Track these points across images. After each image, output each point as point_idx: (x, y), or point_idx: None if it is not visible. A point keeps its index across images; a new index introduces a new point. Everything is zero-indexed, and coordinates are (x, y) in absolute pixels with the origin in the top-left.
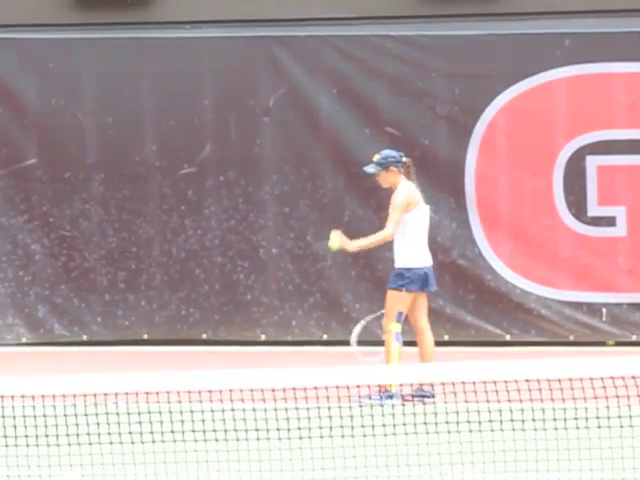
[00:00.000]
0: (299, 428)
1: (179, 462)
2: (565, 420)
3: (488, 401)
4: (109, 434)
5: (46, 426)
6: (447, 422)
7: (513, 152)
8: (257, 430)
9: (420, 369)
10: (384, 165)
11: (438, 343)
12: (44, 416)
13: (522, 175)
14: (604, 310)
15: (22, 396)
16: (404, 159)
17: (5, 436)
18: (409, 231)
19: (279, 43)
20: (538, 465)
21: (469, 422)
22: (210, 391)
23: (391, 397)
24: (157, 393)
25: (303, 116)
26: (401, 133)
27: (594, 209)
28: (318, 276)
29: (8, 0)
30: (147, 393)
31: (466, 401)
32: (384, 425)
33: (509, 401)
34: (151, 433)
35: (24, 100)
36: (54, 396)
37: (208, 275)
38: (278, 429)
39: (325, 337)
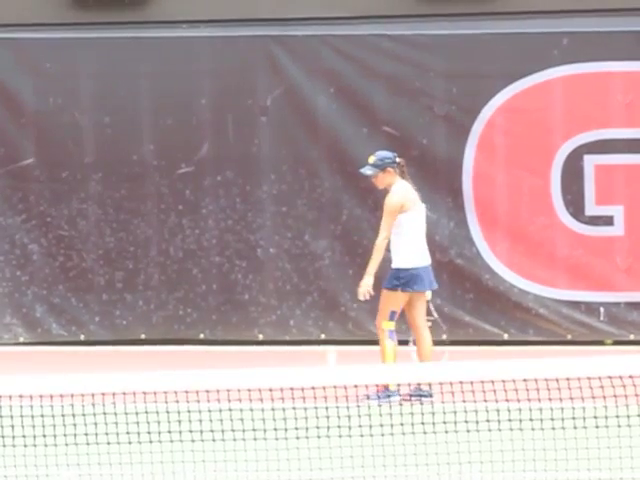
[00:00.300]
0: (296, 428)
1: (176, 462)
2: (563, 420)
3: (486, 401)
4: (107, 434)
5: (44, 426)
6: (445, 422)
7: (511, 151)
8: (254, 430)
9: (418, 369)
10: (381, 167)
11: (436, 342)
12: (42, 416)
13: (520, 174)
14: (602, 309)
15: (20, 396)
16: (398, 159)
17: (3, 436)
18: (405, 231)
19: (276, 42)
20: (536, 465)
21: (467, 422)
22: (207, 391)
23: (389, 396)
24: (155, 393)
25: (301, 115)
26: (399, 132)
27: (592, 208)
28: (316, 275)
29: (5, 0)
30: (145, 393)
31: (464, 401)
32: (381, 425)
33: (507, 401)
34: (148, 433)
35: (21, 99)
36: (52, 396)
37: (206, 275)
38: (275, 429)
39: (323, 336)
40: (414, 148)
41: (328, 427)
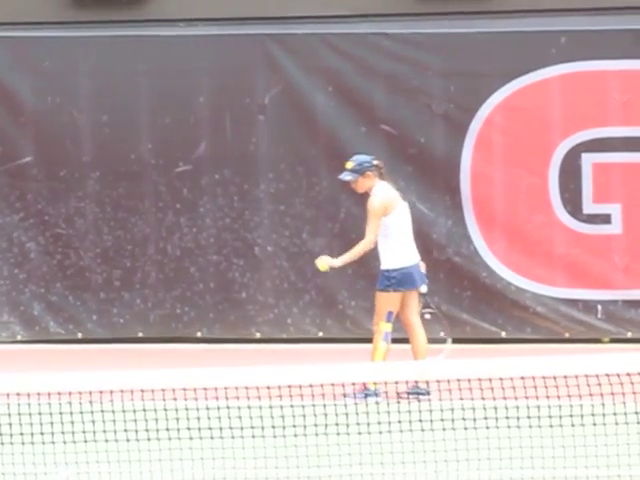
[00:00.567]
0: (294, 425)
1: (174, 459)
2: (560, 417)
3: (483, 398)
4: (104, 432)
5: (41, 424)
6: (442, 419)
7: (509, 150)
8: (252, 427)
9: (416, 366)
10: (360, 171)
11: (433, 340)
12: (39, 414)
13: (518, 173)
14: (599, 307)
15: (17, 394)
16: (375, 162)
17: (1, 434)
18: (391, 232)
19: (274, 41)
20: (533, 462)
21: (464, 419)
22: (205, 389)
23: (367, 395)
24: (152, 391)
25: (299, 114)
26: (397, 131)
27: (589, 206)
28: (313, 274)
29: None
30: (142, 391)
31: (461, 398)
32: (379, 422)
33: (504, 398)
34: (146, 431)
35: (20, 98)
36: (49, 394)
37: (203, 273)
38: (273, 426)
39: (320, 334)
40: (412, 146)
41: (326, 425)
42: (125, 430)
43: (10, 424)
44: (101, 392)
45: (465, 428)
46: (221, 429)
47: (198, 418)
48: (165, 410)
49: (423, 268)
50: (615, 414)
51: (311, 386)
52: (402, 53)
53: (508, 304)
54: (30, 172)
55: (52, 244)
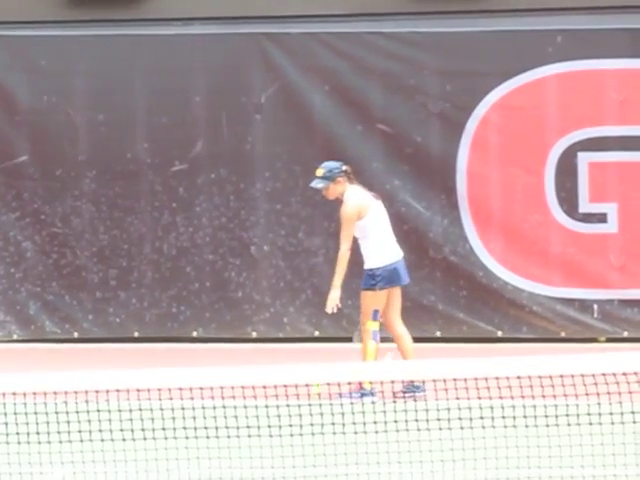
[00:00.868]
0: (290, 425)
1: (170, 459)
2: (556, 417)
3: (479, 398)
4: (100, 431)
5: (37, 423)
6: (438, 419)
7: (505, 149)
8: (248, 427)
9: (412, 366)
10: (330, 178)
11: (430, 340)
12: (35, 413)
13: (514, 172)
14: (595, 307)
15: (13, 393)
16: (344, 167)
17: None
18: (369, 233)
19: (271, 40)
20: (529, 461)
21: (460, 419)
22: (201, 388)
23: (363, 395)
24: (148, 390)
25: (295, 113)
26: (393, 130)
27: (585, 206)
28: (310, 273)
29: None
30: (138, 390)
31: (457, 398)
32: (375, 422)
33: (500, 398)
34: (142, 430)
35: (16, 97)
36: (45, 393)
37: (199, 272)
38: (269, 426)
39: (317, 334)
40: (408, 145)
41: (322, 424)
42: (121, 429)
43: (6, 423)
44: (97, 391)
45: (461, 428)
46: (217, 428)
47: (194, 417)
48: (161, 409)
49: None
50: (611, 414)
51: (307, 385)
52: (398, 52)
53: (504, 303)
54: (26, 171)
55: (48, 243)
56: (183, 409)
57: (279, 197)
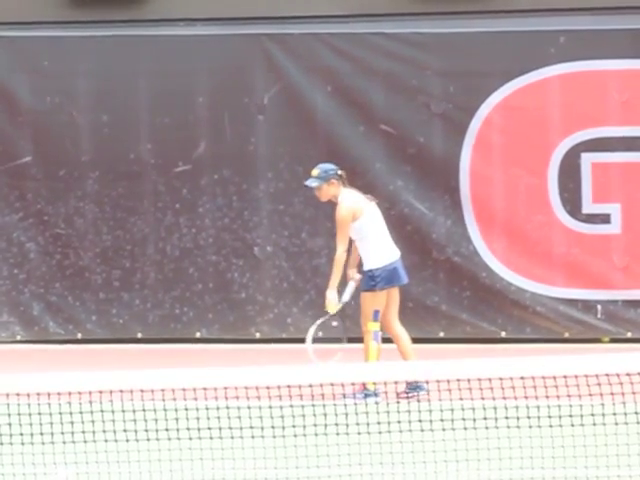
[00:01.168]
0: (294, 426)
1: (174, 460)
2: (560, 417)
3: (483, 398)
4: (104, 432)
5: (41, 424)
6: (442, 420)
7: (508, 149)
8: (252, 428)
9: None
10: (325, 178)
11: (433, 340)
12: (39, 414)
13: (517, 172)
14: (599, 307)
15: (17, 394)
16: (339, 172)
17: (0, 434)
18: (366, 234)
19: (273, 41)
20: (533, 462)
21: (464, 419)
22: (205, 389)
23: (367, 396)
24: (152, 391)
25: (297, 114)
26: (396, 131)
27: (589, 206)
28: (313, 273)
29: None
30: (142, 391)
31: (461, 398)
32: (379, 423)
33: (504, 398)
34: (146, 431)
35: (19, 98)
36: (49, 394)
37: (202, 273)
38: (273, 427)
39: (320, 334)
40: (411, 146)
41: (325, 425)
42: (124, 430)
43: (10, 424)
44: (100, 392)
45: (465, 428)
46: (220, 429)
47: (197, 418)
48: (165, 410)
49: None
50: (615, 414)
51: (310, 386)
52: (401, 53)
53: (508, 304)
54: (29, 172)
55: (51, 244)
56: (187, 410)
57: (282, 198)
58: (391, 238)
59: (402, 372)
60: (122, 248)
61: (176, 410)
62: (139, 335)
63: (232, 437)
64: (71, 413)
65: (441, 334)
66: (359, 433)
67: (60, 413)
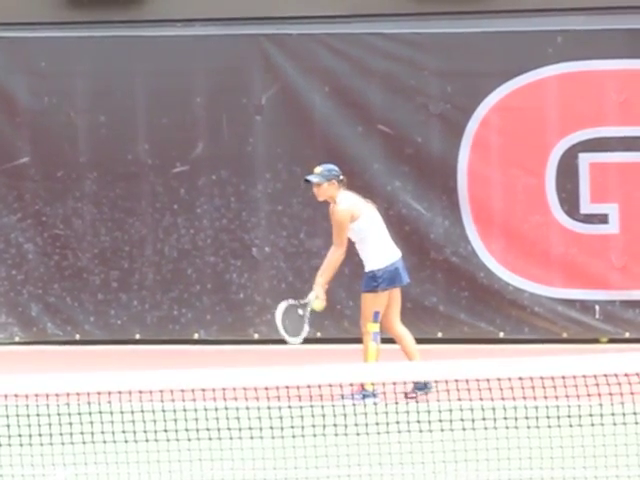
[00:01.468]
0: (292, 427)
1: (172, 461)
2: (558, 418)
3: (481, 399)
4: (102, 433)
5: (39, 425)
6: (440, 420)
7: (505, 150)
8: (250, 429)
9: (414, 367)
10: (327, 177)
11: (431, 341)
12: (37, 415)
13: (515, 173)
14: (597, 307)
15: (15, 395)
16: (341, 176)
17: None
18: (365, 235)
19: (271, 41)
20: (531, 463)
21: (462, 420)
22: (203, 390)
23: (365, 397)
24: (150, 392)
25: (295, 114)
26: (393, 131)
27: (587, 206)
28: (311, 274)
29: None
30: (140, 392)
31: (459, 399)
32: (377, 423)
33: (502, 399)
34: (144, 432)
35: (16, 99)
36: (47, 395)
37: (200, 274)
38: (271, 428)
39: (319, 335)
40: (409, 146)
41: (324, 425)
42: (123, 431)
43: (8, 425)
44: (99, 393)
45: (463, 429)
46: (219, 430)
47: (196, 419)
48: (163, 411)
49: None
50: (613, 414)
51: (309, 387)
52: (398, 53)
53: (506, 304)
54: (27, 173)
55: (50, 245)
56: (185, 411)
57: (280, 198)
58: (391, 238)
59: (400, 373)
60: (120, 249)
61: (175, 411)
62: (137, 336)
63: (231, 438)
64: (69, 414)
65: (439, 334)
66: (358, 434)
67: (59, 414)
